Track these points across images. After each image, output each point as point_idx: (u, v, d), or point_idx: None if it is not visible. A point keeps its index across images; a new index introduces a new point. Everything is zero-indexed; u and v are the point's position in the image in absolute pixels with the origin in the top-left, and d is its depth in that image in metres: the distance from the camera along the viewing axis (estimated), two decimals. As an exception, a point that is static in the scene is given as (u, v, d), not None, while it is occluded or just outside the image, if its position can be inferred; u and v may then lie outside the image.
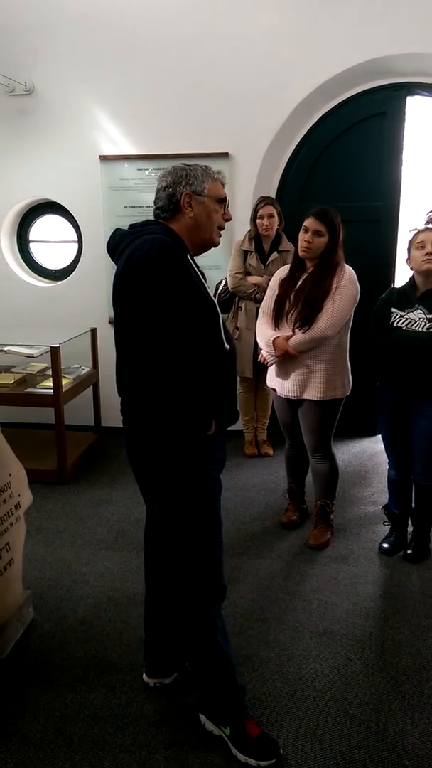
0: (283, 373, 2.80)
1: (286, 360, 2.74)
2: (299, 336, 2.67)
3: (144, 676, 2.07)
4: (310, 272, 2.71)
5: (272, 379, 2.91)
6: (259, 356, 2.95)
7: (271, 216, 3.58)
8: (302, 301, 2.67)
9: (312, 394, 2.74)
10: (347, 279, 2.67)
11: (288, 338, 2.69)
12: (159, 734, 1.86)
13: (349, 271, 2.70)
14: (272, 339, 2.74)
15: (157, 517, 1.72)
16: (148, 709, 1.96)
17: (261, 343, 2.84)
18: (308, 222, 2.64)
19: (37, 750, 1.81)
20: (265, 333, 2.80)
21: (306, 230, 2.64)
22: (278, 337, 2.72)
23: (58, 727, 1.89)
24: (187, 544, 1.70)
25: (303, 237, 2.65)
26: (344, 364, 2.80)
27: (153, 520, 1.81)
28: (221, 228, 1.73)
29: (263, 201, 3.62)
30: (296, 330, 2.68)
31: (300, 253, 2.70)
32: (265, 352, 2.83)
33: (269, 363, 2.85)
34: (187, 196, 1.64)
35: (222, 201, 1.70)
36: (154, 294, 1.51)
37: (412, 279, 2.64)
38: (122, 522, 3.21)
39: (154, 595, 1.96)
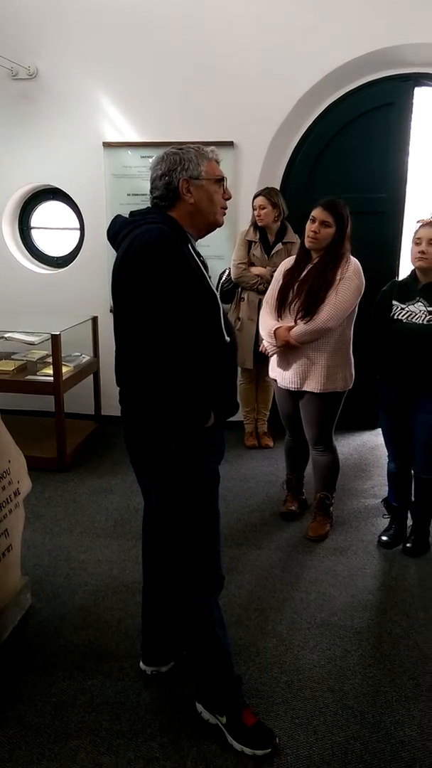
0: (284, 363, 2.79)
1: (287, 351, 2.73)
2: (301, 327, 2.65)
3: (141, 664, 2.07)
4: (315, 263, 2.68)
5: (273, 370, 2.90)
6: (261, 346, 2.94)
7: (263, 207, 3.56)
8: (305, 291, 2.65)
9: (312, 386, 2.72)
10: (352, 271, 2.65)
11: (290, 329, 2.68)
12: (155, 722, 1.87)
13: (354, 263, 2.68)
14: (274, 329, 2.72)
15: (155, 508, 1.72)
16: (144, 696, 1.97)
17: (263, 333, 2.83)
18: (316, 212, 2.62)
19: (34, 735, 1.81)
20: (267, 323, 2.79)
21: (313, 220, 2.62)
22: (280, 327, 2.71)
23: (55, 713, 1.90)
24: (185, 533, 1.69)
25: (310, 227, 2.63)
26: (347, 357, 2.79)
27: (150, 510, 1.81)
28: (224, 208, 1.69)
29: (258, 193, 3.61)
30: (298, 321, 2.67)
31: (306, 244, 2.67)
32: (267, 343, 2.81)
33: (270, 353, 2.83)
34: (184, 182, 1.61)
35: (220, 180, 1.66)
36: (152, 286, 1.50)
37: (413, 272, 2.62)
38: (121, 511, 3.21)
39: (152, 584, 1.96)
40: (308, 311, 2.63)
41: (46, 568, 2.69)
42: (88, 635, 2.26)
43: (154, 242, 1.50)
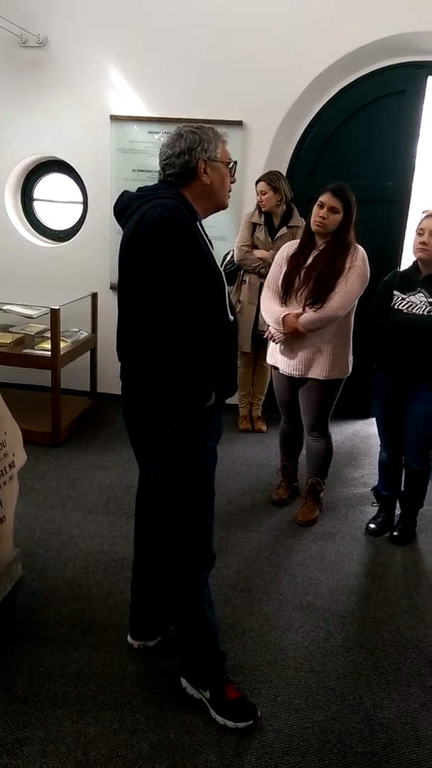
0: (288, 350, 2.78)
1: (294, 338, 2.72)
2: (310, 314, 2.64)
3: (128, 638, 2.10)
4: (321, 250, 2.67)
5: (274, 356, 2.89)
6: (266, 333, 2.92)
7: (264, 192, 3.55)
8: (314, 278, 2.64)
9: (317, 373, 2.73)
10: (360, 259, 2.65)
11: (298, 316, 2.67)
12: (140, 694, 1.91)
13: (362, 252, 2.67)
14: (282, 316, 2.69)
15: (153, 484, 1.73)
16: (130, 669, 2.00)
17: (269, 319, 2.79)
18: (324, 198, 2.60)
19: (21, 703, 1.85)
20: (273, 309, 2.75)
21: (321, 206, 2.60)
22: (288, 314, 2.69)
23: (42, 683, 1.93)
24: (181, 510, 1.71)
25: (318, 212, 2.61)
26: (348, 344, 2.80)
27: (146, 486, 1.83)
28: (229, 191, 1.73)
29: (260, 178, 3.60)
30: (307, 308, 2.66)
31: (313, 228, 2.65)
32: (273, 329, 2.78)
33: (276, 340, 2.81)
34: (203, 163, 1.62)
35: (231, 164, 1.70)
36: (164, 261, 1.49)
37: (415, 262, 2.63)
38: (113, 487, 3.23)
39: (142, 560, 1.99)
40: (318, 298, 2.62)
41: (38, 541, 2.71)
42: (76, 608, 2.29)
43: (168, 216, 1.50)
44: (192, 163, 1.61)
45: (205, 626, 1.81)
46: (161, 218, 1.49)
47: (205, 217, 1.69)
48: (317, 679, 2.01)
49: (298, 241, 2.79)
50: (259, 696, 1.92)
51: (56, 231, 4.53)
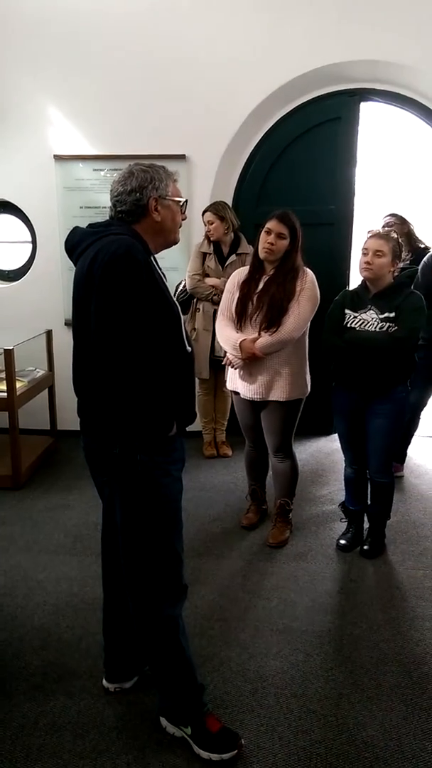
0: (247, 375, 2.80)
1: (252, 362, 2.74)
2: (266, 338, 2.68)
3: (104, 681, 2.04)
4: (272, 275, 2.72)
5: (234, 382, 2.90)
6: (224, 359, 2.94)
7: (211, 222, 3.63)
8: (267, 303, 2.68)
9: (278, 395, 2.76)
10: (310, 282, 2.71)
11: (254, 340, 2.70)
12: (119, 739, 1.84)
13: (311, 275, 2.74)
14: (239, 342, 2.72)
15: (120, 519, 1.70)
16: (108, 714, 1.94)
17: (226, 346, 2.81)
18: (271, 224, 2.66)
19: (-6, 762, 1.76)
20: (230, 336, 2.78)
21: (269, 232, 2.66)
22: (245, 339, 2.71)
23: (16, 738, 1.85)
24: (150, 543, 1.69)
25: (265, 239, 2.67)
26: (305, 364, 2.84)
27: (112, 522, 1.79)
28: (179, 227, 1.75)
29: (206, 209, 3.67)
30: (262, 332, 2.69)
31: (261, 255, 2.71)
32: (231, 355, 2.81)
33: (235, 366, 2.83)
34: (154, 201, 1.63)
35: (181, 203, 1.72)
36: (122, 297, 1.50)
37: (364, 281, 2.70)
38: (80, 526, 3.16)
39: (112, 599, 1.94)
40: (272, 322, 2.66)
41: (3, 588, 2.62)
42: (48, 655, 2.21)
43: (125, 252, 1.51)
44: (143, 201, 1.63)
45: (182, 661, 1.77)
46: (118, 254, 1.50)
47: (156, 253, 1.71)
48: (299, 703, 1.98)
49: (248, 267, 2.84)
50: (242, 727, 1.88)
51: (6, 271, 4.50)
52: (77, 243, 1.65)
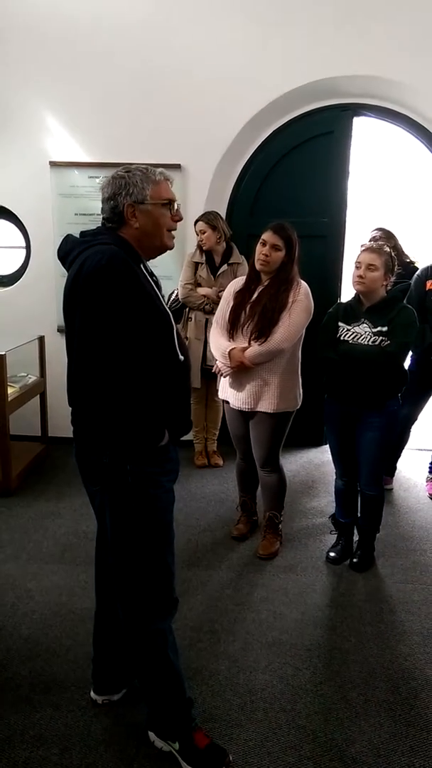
0: (237, 384, 2.81)
1: (241, 372, 2.75)
2: (255, 348, 2.69)
3: (92, 693, 2.02)
4: (266, 285, 2.73)
5: (225, 391, 2.91)
6: (214, 367, 2.95)
7: (203, 232, 3.64)
8: (258, 313, 2.69)
9: (266, 406, 2.76)
10: (303, 294, 2.72)
11: (244, 350, 2.71)
12: (107, 753, 1.82)
13: (305, 287, 2.75)
14: (228, 350, 2.74)
15: (109, 529, 1.69)
16: (95, 727, 1.92)
17: (216, 353, 2.84)
18: (266, 236, 2.67)
19: (-21, 776, 1.74)
20: (220, 344, 2.80)
21: (264, 244, 2.67)
22: (234, 348, 2.73)
23: (2, 750, 1.82)
24: (141, 555, 1.68)
25: (261, 250, 2.68)
26: (296, 377, 2.85)
27: (104, 532, 1.78)
28: (172, 229, 1.67)
29: (198, 218, 3.68)
30: (252, 342, 2.70)
31: (257, 266, 2.72)
32: (221, 363, 2.82)
33: (224, 374, 2.84)
34: (129, 207, 1.59)
35: (167, 204, 1.64)
36: (103, 307, 1.50)
37: (357, 294, 2.72)
38: (69, 535, 3.14)
39: (104, 609, 1.92)
40: (262, 333, 2.67)
41: (-9, 597, 2.60)
42: (35, 666, 2.19)
43: (106, 263, 1.50)
44: (119, 208, 1.60)
45: (171, 675, 1.76)
46: (99, 265, 1.49)
47: (149, 259, 1.70)
48: (288, 718, 1.98)
49: (245, 277, 2.86)
50: (230, 742, 1.87)
51: (-1, 276, 4.48)
52: (69, 251, 1.64)
